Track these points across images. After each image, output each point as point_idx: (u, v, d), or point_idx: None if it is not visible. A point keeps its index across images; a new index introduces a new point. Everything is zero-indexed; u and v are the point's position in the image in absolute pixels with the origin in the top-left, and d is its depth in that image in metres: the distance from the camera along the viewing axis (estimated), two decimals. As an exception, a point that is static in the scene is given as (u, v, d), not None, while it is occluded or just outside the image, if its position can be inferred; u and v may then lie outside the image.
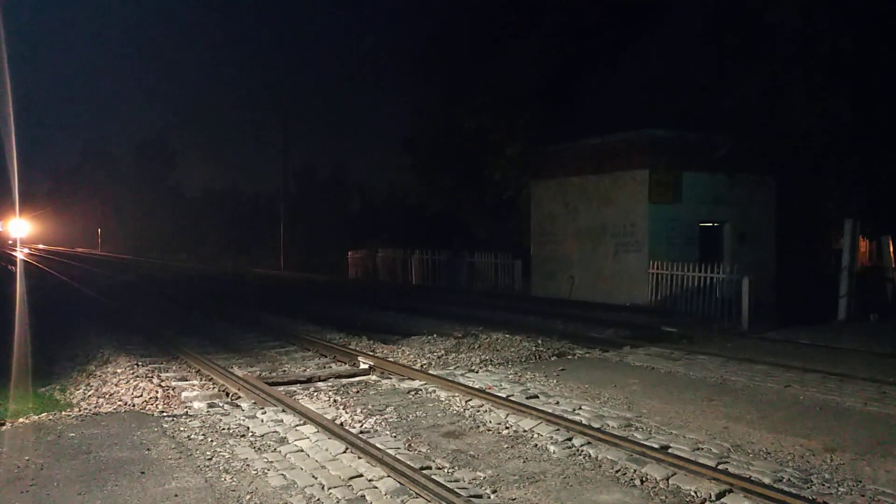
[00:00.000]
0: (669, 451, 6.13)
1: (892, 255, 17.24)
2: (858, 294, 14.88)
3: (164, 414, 7.39)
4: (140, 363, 10.01)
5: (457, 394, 8.16)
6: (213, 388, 8.76)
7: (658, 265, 16.69)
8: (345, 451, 6.06)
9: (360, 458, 5.88)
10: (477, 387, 8.49)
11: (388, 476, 5.45)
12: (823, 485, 5.43)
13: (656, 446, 6.22)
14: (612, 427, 6.90)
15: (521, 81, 21.59)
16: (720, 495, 5.13)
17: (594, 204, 18.97)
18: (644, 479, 5.52)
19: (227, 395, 8.38)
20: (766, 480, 5.44)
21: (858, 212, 15.65)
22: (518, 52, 21.69)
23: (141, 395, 8.14)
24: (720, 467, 5.71)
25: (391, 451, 6.01)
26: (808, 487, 5.38)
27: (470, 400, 7.87)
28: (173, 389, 8.51)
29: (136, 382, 8.74)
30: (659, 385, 8.85)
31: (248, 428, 6.83)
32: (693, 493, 5.21)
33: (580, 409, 7.63)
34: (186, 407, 7.71)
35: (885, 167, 17.16)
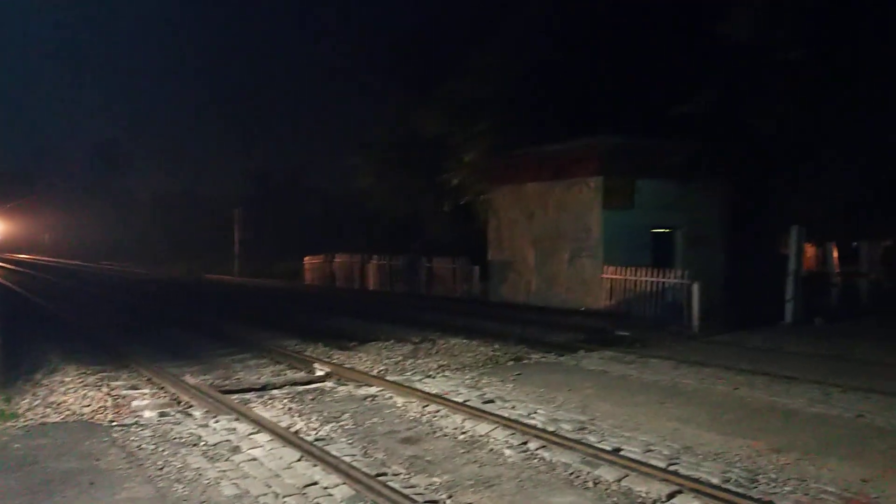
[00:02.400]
0: (622, 453, 6.23)
1: (835, 260, 17.82)
2: (804, 298, 15.31)
3: (114, 423, 7.23)
4: (89, 372, 9.79)
5: (414, 399, 8.17)
6: (165, 396, 8.60)
7: (612, 270, 16.93)
8: (299, 459, 6.02)
9: (315, 465, 5.84)
10: (434, 392, 8.50)
11: (344, 483, 5.43)
12: (769, 484, 5.58)
13: (609, 449, 6.32)
14: (567, 430, 6.98)
15: (480, 88, 21.72)
16: (670, 496, 5.24)
17: (550, 210, 19.18)
18: (597, 481, 5.61)
19: (179, 403, 8.24)
20: (715, 481, 5.57)
21: (804, 219, 16.13)
22: (477, 60, 21.83)
23: (90, 405, 7.96)
24: (671, 468, 5.82)
25: (347, 458, 5.99)
26: (754, 487, 5.52)
27: (427, 405, 7.88)
28: (123, 398, 8.34)
29: (84, 391, 8.55)
30: (612, 388, 8.98)
31: (201, 437, 6.73)
32: (644, 494, 5.31)
33: (535, 412, 7.70)
34: (137, 416, 7.56)
35: (829, 176, 17.76)
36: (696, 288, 14.30)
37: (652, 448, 6.44)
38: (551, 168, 19.18)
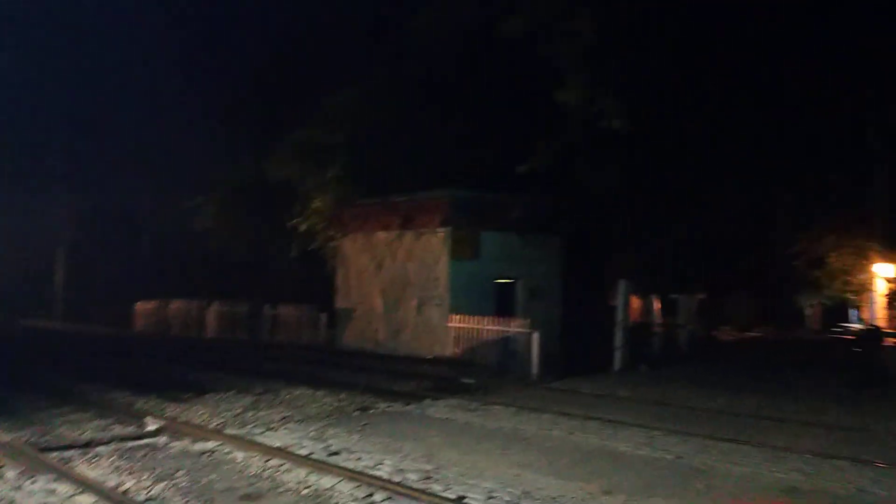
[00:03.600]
0: (465, 501, 6.36)
1: (657, 312, 19.42)
2: (631, 347, 16.49)
3: None
4: None
5: (255, 454, 7.87)
6: (-30, 457, 7.70)
7: (458, 319, 17.33)
8: (129, 522, 5.61)
9: (146, 528, 5.47)
10: (276, 446, 8.25)
11: (178, 546, 5.12)
12: (601, 525, 5.92)
13: (453, 497, 6.42)
14: (413, 480, 7.02)
15: (331, 135, 21.79)
16: (511, 542, 5.40)
17: (399, 259, 19.44)
18: (441, 530, 5.67)
19: (-12, 464, 7.41)
20: (552, 524, 5.82)
21: (630, 273, 17.48)
22: (329, 106, 21.94)
23: None
24: (512, 514, 6.01)
25: (182, 519, 5.66)
26: (587, 528, 5.83)
27: (269, 460, 7.62)
28: (-83, 461, 7.37)
29: None
30: (457, 436, 9.15)
31: (14, 500, 6.10)
32: (487, 542, 5.43)
33: (382, 463, 7.68)
34: (-66, 481, 6.71)
35: (650, 235, 19.48)
36: (535, 337, 14.97)
37: (494, 495, 6.62)
38: (401, 218, 19.53)
